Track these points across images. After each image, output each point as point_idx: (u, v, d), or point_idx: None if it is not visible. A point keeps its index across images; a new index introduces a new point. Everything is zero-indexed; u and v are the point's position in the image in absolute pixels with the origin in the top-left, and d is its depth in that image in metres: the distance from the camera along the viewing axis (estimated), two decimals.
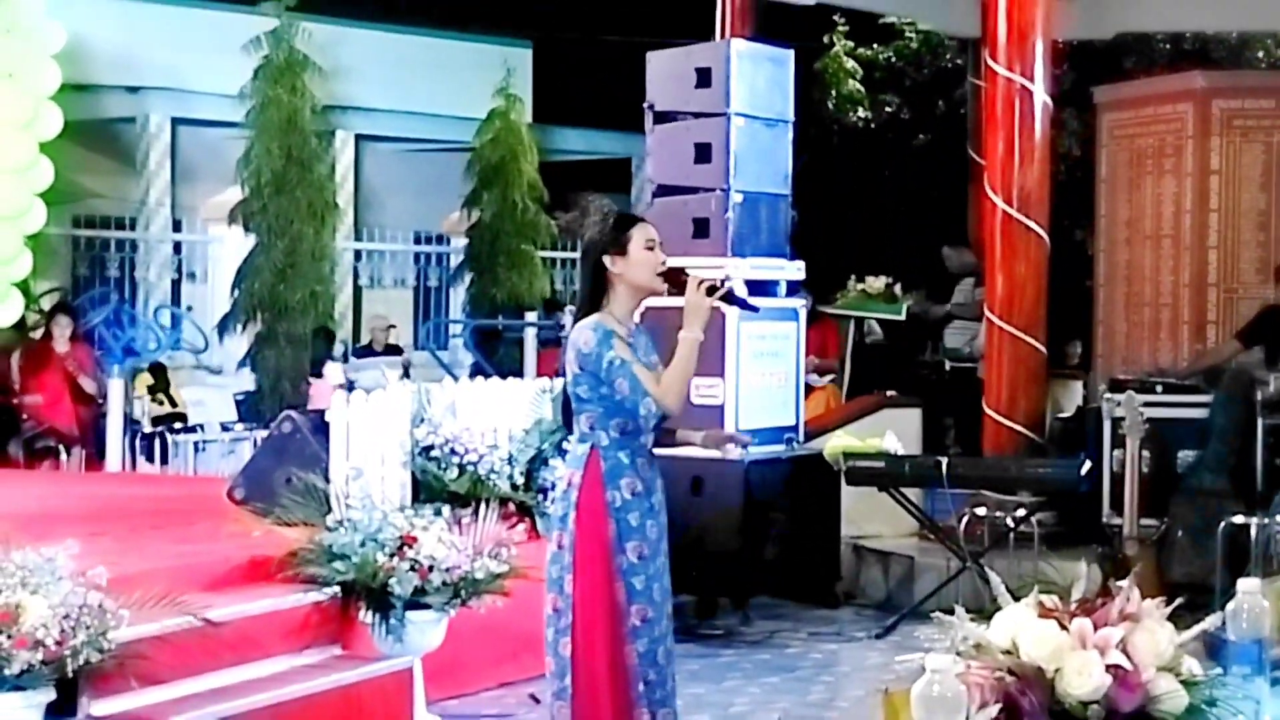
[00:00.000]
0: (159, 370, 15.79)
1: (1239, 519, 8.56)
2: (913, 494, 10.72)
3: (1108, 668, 3.14)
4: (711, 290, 5.52)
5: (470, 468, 8.69)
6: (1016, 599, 3.28)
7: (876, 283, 15.06)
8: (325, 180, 17.27)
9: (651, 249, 5.56)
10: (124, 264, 19.11)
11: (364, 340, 18.71)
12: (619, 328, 5.52)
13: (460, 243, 20.75)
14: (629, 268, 5.53)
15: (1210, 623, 3.54)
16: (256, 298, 16.59)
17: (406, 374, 14.69)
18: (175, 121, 19.06)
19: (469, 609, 7.53)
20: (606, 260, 5.54)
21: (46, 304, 14.96)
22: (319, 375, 9.19)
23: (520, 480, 8.84)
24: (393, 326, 19.02)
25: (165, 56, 18.31)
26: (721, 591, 10.20)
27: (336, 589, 7.44)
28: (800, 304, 11.00)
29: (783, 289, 10.62)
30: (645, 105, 10.66)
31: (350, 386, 9.99)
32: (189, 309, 18.75)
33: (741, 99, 10.33)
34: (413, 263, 22.21)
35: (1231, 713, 3.38)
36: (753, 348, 10.17)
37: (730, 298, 5.76)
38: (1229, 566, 8.08)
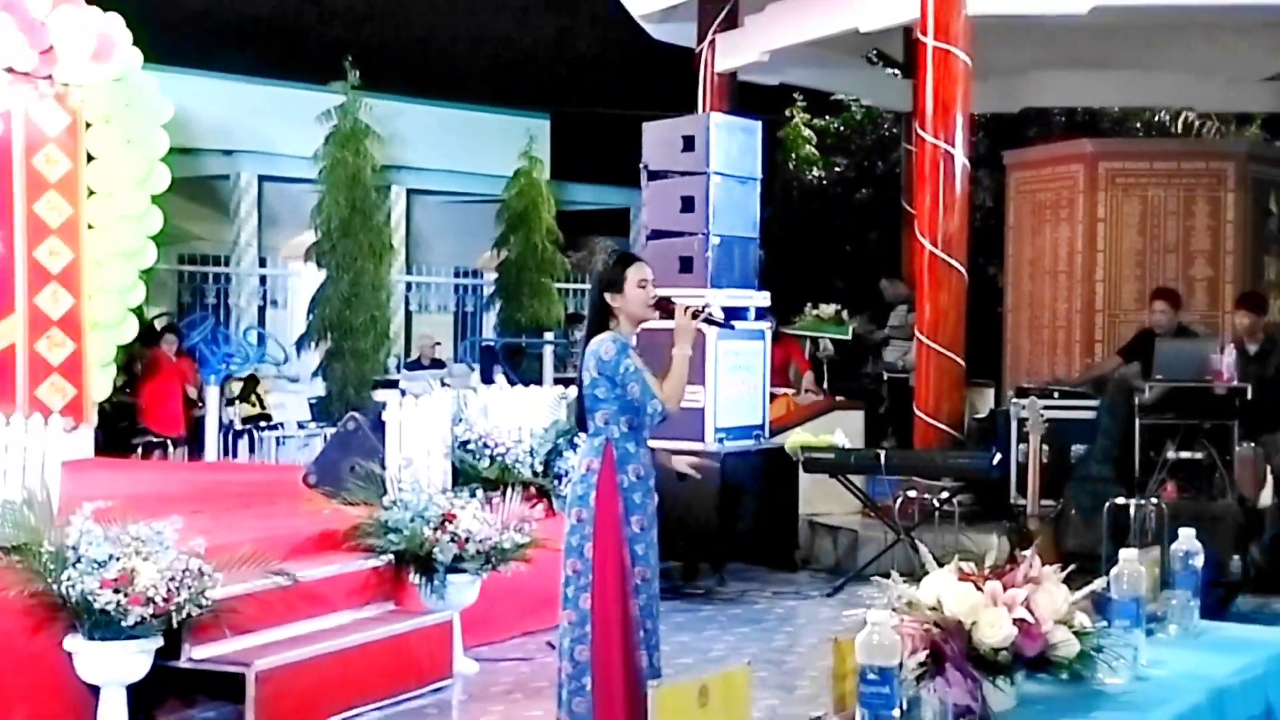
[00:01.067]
0: (252, 380, 15.85)
1: (1121, 500, 8.57)
2: (857, 480, 10.74)
3: (1015, 621, 3.14)
4: (696, 314, 5.56)
5: (499, 458, 8.70)
6: (941, 565, 3.28)
7: (828, 309, 15.07)
8: (382, 226, 17.29)
9: (644, 286, 5.56)
10: (219, 293, 19.10)
11: (414, 356, 18.70)
12: (630, 342, 5.55)
13: (491, 276, 20.77)
14: (625, 302, 5.53)
15: (1097, 585, 3.53)
16: (327, 321, 16.61)
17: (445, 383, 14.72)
18: (261, 178, 19.10)
19: (498, 572, 7.56)
20: (607, 296, 5.55)
21: (158, 325, 14.97)
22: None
23: (540, 468, 8.84)
24: (438, 344, 19.04)
25: (254, 125, 18.34)
26: (702, 559, 10.18)
27: (391, 556, 7.46)
28: (766, 326, 10.99)
29: (752, 314, 10.61)
30: (641, 165, 10.66)
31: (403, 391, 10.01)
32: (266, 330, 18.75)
33: (719, 161, 10.33)
34: (453, 292, 22.22)
35: (1114, 657, 3.38)
36: (727, 361, 10.16)
37: (710, 319, 5.78)
38: (1113, 539, 8.08)
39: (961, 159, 11.03)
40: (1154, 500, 8.54)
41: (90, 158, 11.23)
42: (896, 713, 2.80)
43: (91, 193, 11.25)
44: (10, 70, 10.48)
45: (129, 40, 11.18)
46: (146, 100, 11.47)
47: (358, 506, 7.72)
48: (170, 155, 11.73)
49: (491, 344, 19.10)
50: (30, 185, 10.82)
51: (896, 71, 16.21)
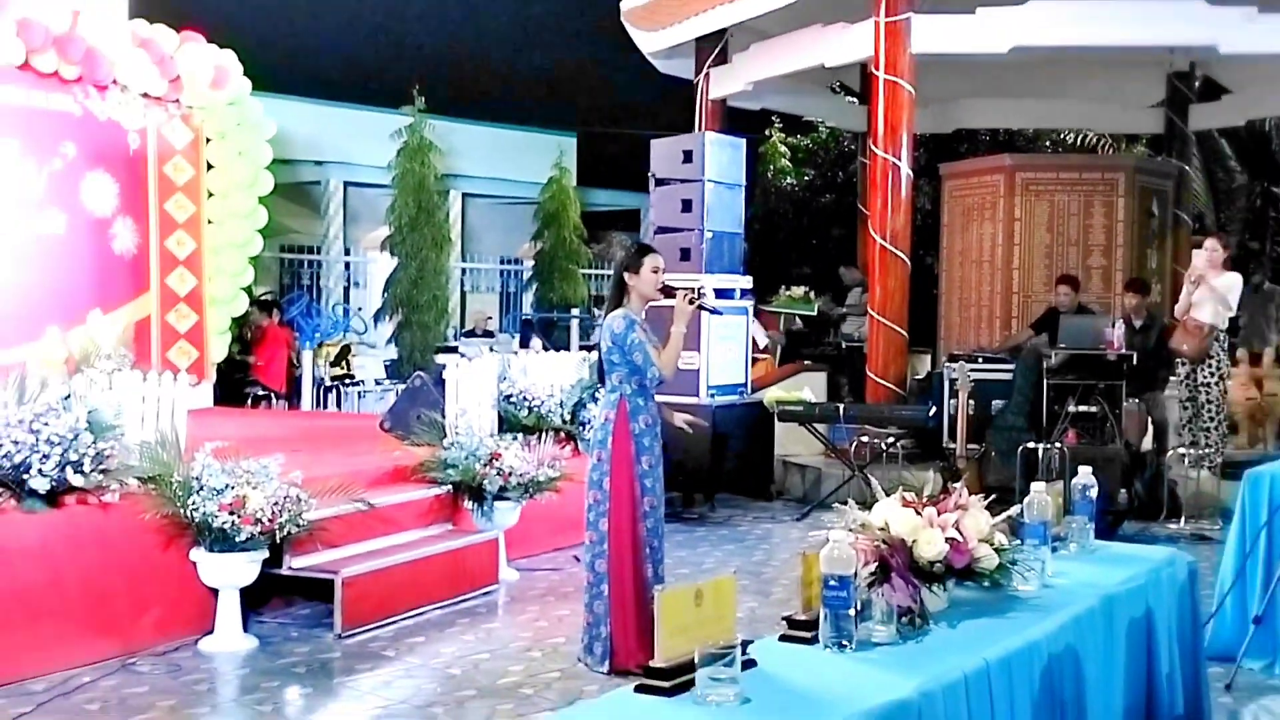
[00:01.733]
0: (345, 349, 15.90)
1: (1032, 444, 8.58)
2: (821, 427, 10.75)
3: (947, 539, 3.14)
4: (693, 301, 5.59)
5: (535, 409, 8.71)
6: (888, 495, 3.28)
7: (798, 291, 15.06)
8: (443, 223, 17.25)
9: (656, 272, 5.61)
10: (313, 276, 19.09)
11: (468, 327, 18.71)
12: (637, 319, 5.59)
13: (529, 263, 20.76)
14: (639, 283, 5.59)
15: (1013, 512, 3.54)
16: (398, 299, 16.61)
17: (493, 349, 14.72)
18: (346, 184, 19.08)
19: (534, 500, 7.58)
20: (626, 276, 5.60)
21: (266, 301, 14.99)
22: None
23: (568, 417, 8.86)
24: (489, 318, 19.06)
25: (340, 141, 18.30)
26: (696, 490, 10.21)
27: (449, 487, 7.49)
28: (748, 304, 11.00)
29: (737, 294, 10.62)
30: (650, 174, 10.66)
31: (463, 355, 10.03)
32: (357, 308, 18.75)
33: (712, 170, 10.33)
34: (499, 276, 22.20)
35: (1026, 569, 3.39)
36: (718, 333, 10.18)
37: (704, 307, 5.81)
38: (1025, 475, 8.09)
39: (906, 170, 11.01)
40: (1058, 444, 8.55)
41: (209, 166, 11.25)
42: (852, 612, 2.81)
43: (210, 194, 11.26)
44: (146, 95, 10.48)
45: (241, 71, 11.18)
46: (254, 120, 11.46)
47: (423, 447, 7.75)
48: (273, 165, 11.73)
49: (530, 318, 19.05)
50: (162, 188, 10.83)
51: (854, 99, 16.14)
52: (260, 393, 13.66)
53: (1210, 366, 9.70)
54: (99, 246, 10.22)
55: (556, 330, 18.33)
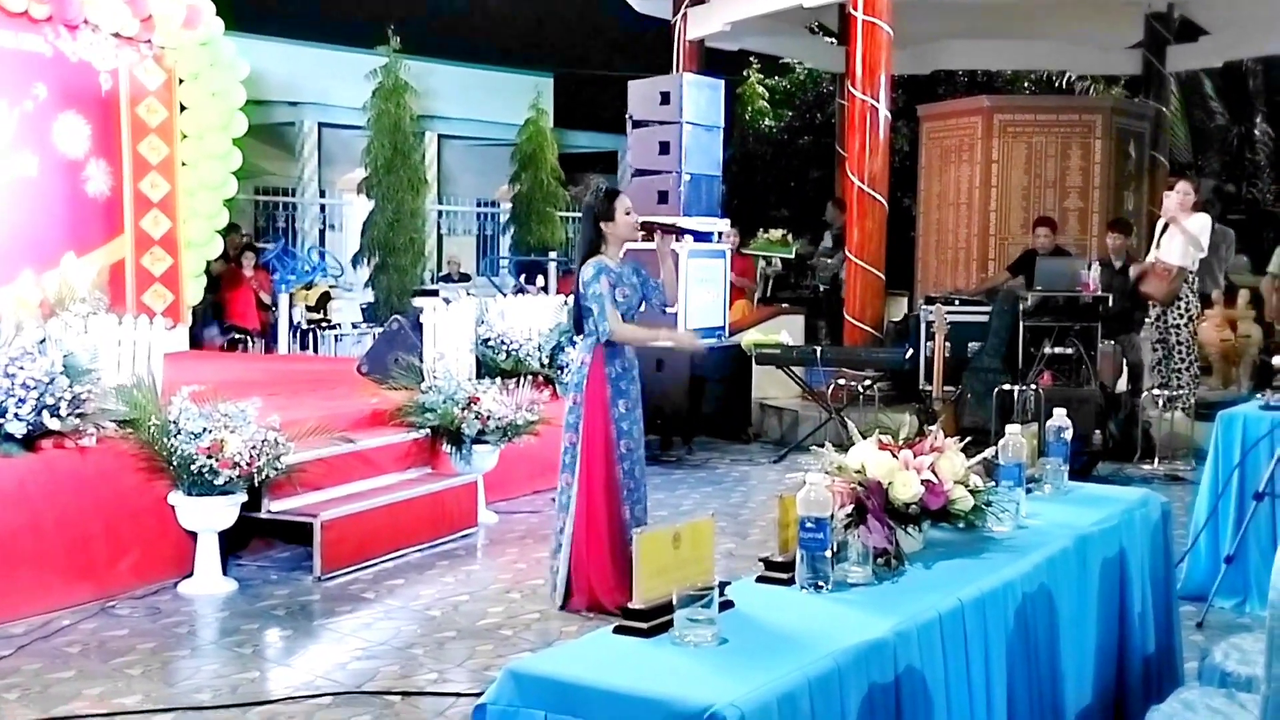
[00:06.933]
0: (325, 295, 15.83)
1: (1007, 386, 8.62)
2: (798, 370, 10.76)
3: (923, 481, 3.15)
4: (668, 230, 5.60)
5: (513, 353, 8.70)
6: (864, 438, 3.29)
7: (776, 233, 15.01)
8: (419, 164, 17.14)
9: (629, 214, 5.61)
10: (288, 219, 19.01)
11: (444, 271, 18.64)
12: (611, 264, 5.59)
13: (507, 206, 20.67)
14: (614, 228, 5.61)
15: (988, 453, 3.55)
16: (375, 242, 16.53)
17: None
18: (321, 125, 18.94)
19: (512, 444, 7.60)
20: (602, 225, 5.61)
21: (238, 244, 14.89)
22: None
23: (546, 361, 8.85)
24: (459, 263, 18.99)
25: (315, 81, 18.16)
26: (675, 433, 10.23)
27: (427, 430, 7.49)
28: (726, 248, 10.97)
29: (716, 237, 10.60)
30: (628, 115, 10.59)
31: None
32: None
33: (690, 112, 10.26)
34: (476, 219, 22.10)
35: (1001, 510, 3.41)
36: (696, 276, 10.17)
37: (679, 230, 5.81)
38: (1000, 417, 8.14)
39: (884, 112, 10.96)
40: (1033, 386, 8.59)
41: (183, 107, 11.12)
42: (829, 553, 2.82)
43: (184, 136, 11.15)
44: (117, 35, 10.35)
45: (213, 11, 11.04)
46: (227, 60, 11.33)
47: (401, 391, 7.74)
48: (247, 105, 11.60)
49: (538, 260, 18.91)
50: (135, 130, 10.71)
51: (833, 40, 16.04)
52: (236, 336, 13.61)
53: (1180, 308, 9.74)
54: (72, 189, 10.11)
55: (537, 273, 18.31)
